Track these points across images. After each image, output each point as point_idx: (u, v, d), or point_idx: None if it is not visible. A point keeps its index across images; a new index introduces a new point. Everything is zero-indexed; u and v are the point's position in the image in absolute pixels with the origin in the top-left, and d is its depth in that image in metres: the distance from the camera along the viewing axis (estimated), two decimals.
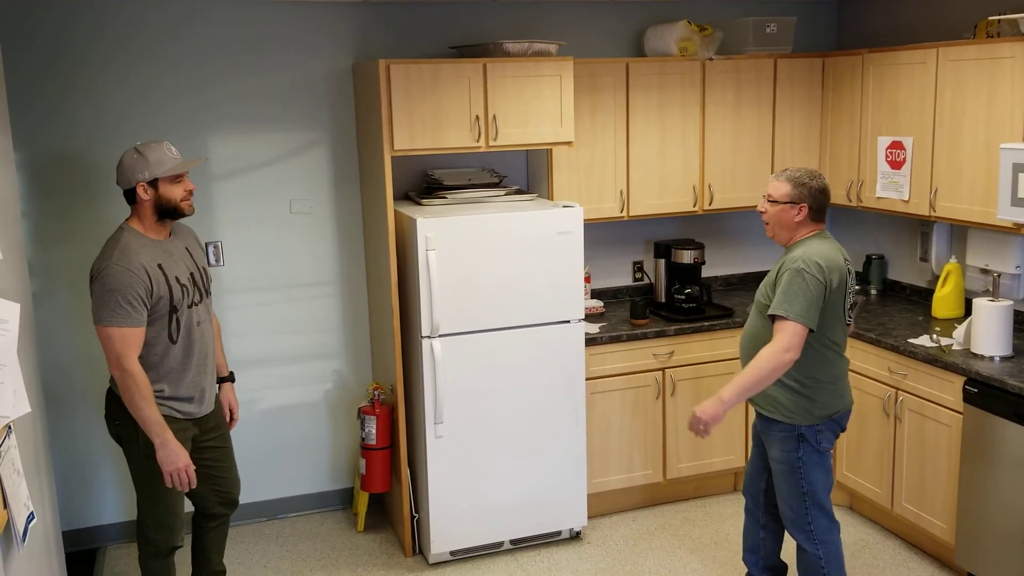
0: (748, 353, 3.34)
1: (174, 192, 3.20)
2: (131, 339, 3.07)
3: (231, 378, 3.69)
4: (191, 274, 3.30)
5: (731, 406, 3.17)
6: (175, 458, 3.13)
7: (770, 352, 3.13)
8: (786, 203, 3.25)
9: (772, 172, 4.81)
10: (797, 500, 3.33)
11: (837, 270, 3.18)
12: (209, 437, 3.44)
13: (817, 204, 3.26)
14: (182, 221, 3.40)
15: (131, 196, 3.20)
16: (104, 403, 3.33)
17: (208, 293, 3.41)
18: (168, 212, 3.22)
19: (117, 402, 3.22)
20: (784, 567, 3.72)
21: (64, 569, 3.16)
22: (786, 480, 3.34)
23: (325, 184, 4.45)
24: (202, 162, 3.40)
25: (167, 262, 3.21)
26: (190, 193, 3.26)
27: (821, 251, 3.18)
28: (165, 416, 3.18)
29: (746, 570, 3.80)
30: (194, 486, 3.23)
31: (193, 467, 3.20)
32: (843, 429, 3.37)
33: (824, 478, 3.34)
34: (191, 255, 3.35)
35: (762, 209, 3.34)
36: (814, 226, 3.28)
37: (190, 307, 3.25)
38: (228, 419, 3.63)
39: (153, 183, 3.16)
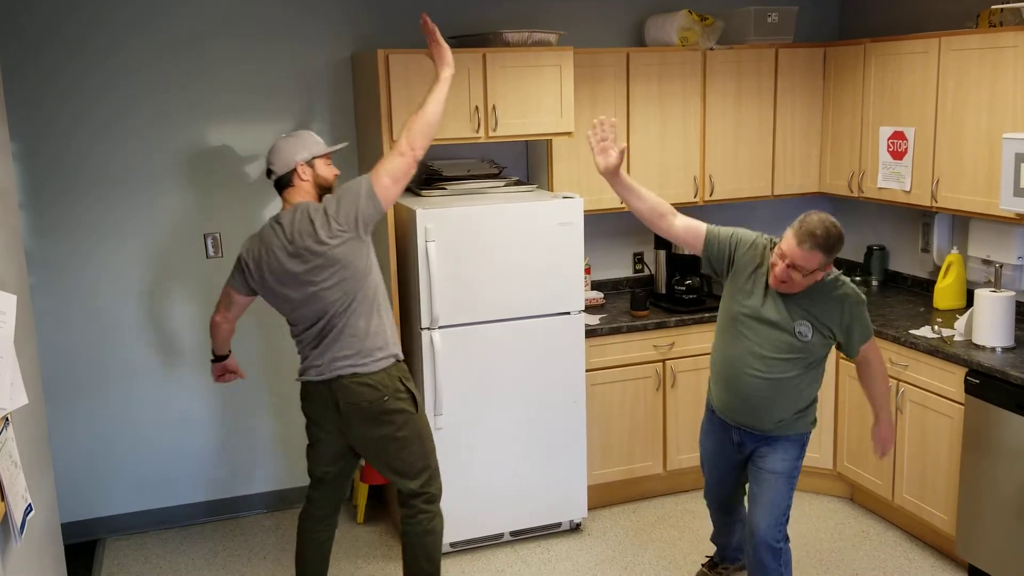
0: (779, 396, 3.18)
1: (328, 172, 3.32)
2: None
3: None
4: None
5: None
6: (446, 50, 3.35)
7: (882, 369, 3.29)
8: (817, 270, 3.06)
9: (773, 163, 4.79)
10: (780, 511, 3.28)
11: None
12: None
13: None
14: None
15: (285, 180, 3.27)
16: (356, 395, 3.26)
17: None
18: (324, 193, 3.30)
19: (382, 376, 3.24)
20: None
21: (63, 562, 3.15)
22: (777, 490, 3.27)
23: None
24: (346, 145, 3.64)
25: None
26: (336, 178, 3.35)
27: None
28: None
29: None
30: None
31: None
32: None
33: None
34: None
35: (783, 278, 3.04)
36: None
37: None
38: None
39: (310, 163, 3.26)
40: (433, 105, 3.27)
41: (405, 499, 3.41)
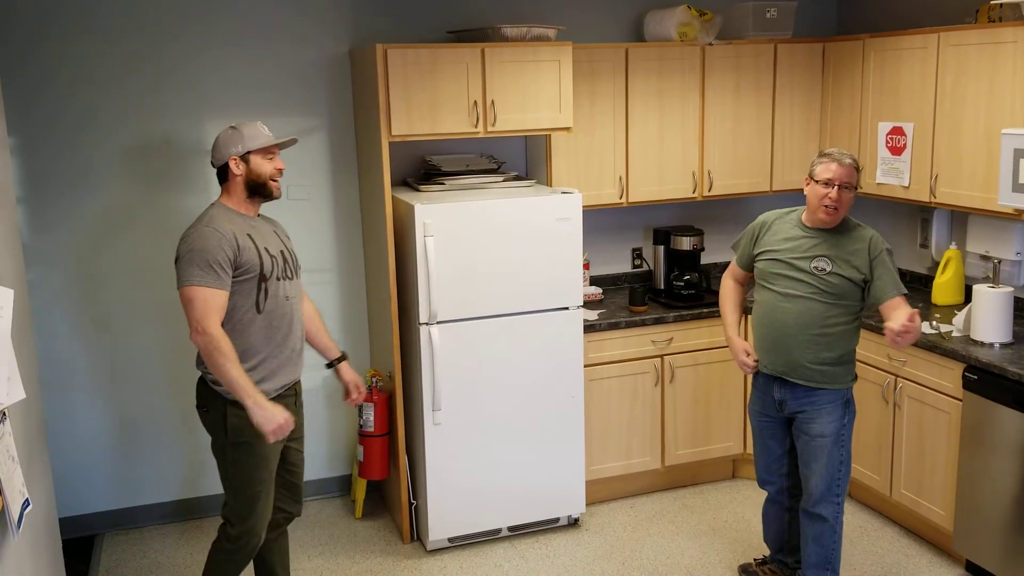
0: (808, 338, 3.32)
1: (264, 168, 3.19)
2: (212, 301, 3.01)
3: (344, 356, 3.56)
4: (281, 251, 3.26)
5: None
6: (272, 416, 3.01)
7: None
8: (854, 188, 3.33)
9: (771, 159, 4.78)
10: (834, 471, 3.40)
11: None
12: (294, 440, 3.35)
13: None
14: (266, 215, 3.34)
15: (223, 173, 3.20)
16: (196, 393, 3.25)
17: (298, 274, 3.34)
18: (257, 188, 3.20)
19: (204, 387, 3.17)
20: None
21: (61, 556, 3.16)
22: (827, 453, 3.38)
23: (323, 170, 4.43)
24: (294, 141, 3.42)
25: (256, 233, 3.18)
26: (280, 172, 3.24)
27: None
28: None
29: (767, 552, 3.83)
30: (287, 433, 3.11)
31: (293, 419, 3.08)
32: None
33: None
34: (279, 236, 3.32)
35: (836, 203, 3.27)
36: None
37: (279, 279, 3.20)
38: (350, 395, 3.53)
39: (244, 158, 3.16)
40: (227, 369, 3.01)
41: None
